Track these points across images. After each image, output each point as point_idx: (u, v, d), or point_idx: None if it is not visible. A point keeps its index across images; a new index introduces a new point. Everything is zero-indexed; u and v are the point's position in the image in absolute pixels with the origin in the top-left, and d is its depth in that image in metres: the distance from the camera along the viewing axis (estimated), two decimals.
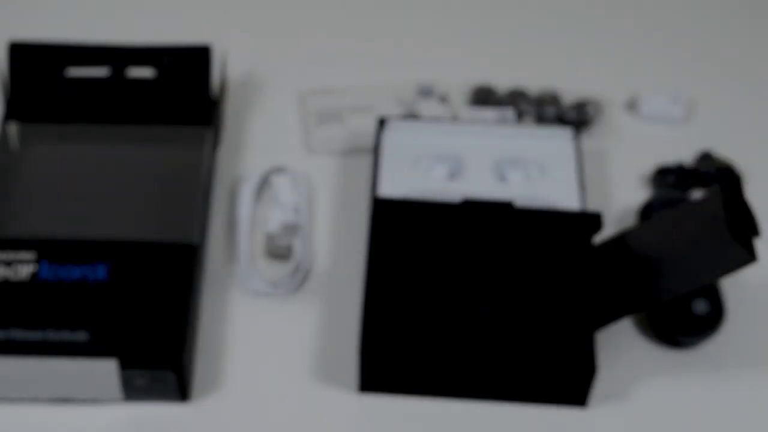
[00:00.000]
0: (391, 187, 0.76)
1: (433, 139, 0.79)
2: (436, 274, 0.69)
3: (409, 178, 0.77)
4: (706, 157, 0.82)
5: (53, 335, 0.66)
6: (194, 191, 0.75)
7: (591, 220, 0.71)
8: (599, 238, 0.72)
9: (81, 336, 0.66)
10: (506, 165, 0.78)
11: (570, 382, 0.68)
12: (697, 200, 0.68)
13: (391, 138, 0.79)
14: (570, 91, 0.87)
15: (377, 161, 0.78)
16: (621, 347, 0.72)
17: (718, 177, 0.79)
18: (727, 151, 0.83)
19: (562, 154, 0.79)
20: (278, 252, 0.76)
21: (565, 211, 0.72)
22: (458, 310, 0.68)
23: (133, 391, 0.67)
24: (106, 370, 0.66)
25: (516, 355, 0.67)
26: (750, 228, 0.66)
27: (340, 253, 0.77)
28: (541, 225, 0.71)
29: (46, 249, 0.69)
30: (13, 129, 0.79)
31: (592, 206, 0.79)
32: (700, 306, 0.70)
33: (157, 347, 0.66)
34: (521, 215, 0.71)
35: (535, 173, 0.78)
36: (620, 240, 0.70)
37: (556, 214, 0.72)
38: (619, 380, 0.70)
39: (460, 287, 0.69)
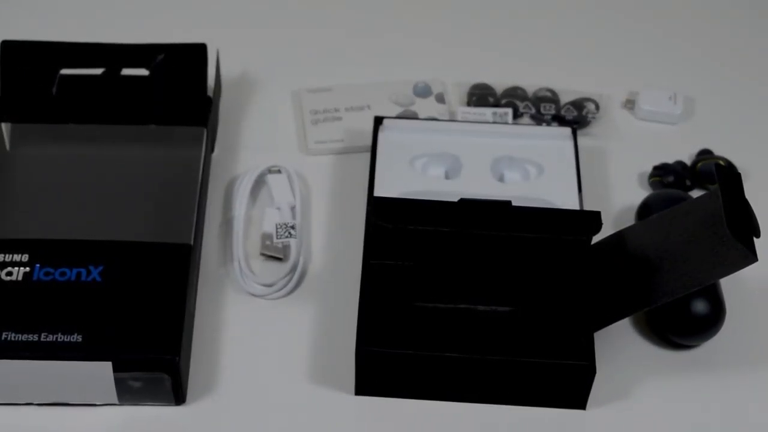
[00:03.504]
0: (388, 187, 0.75)
1: (429, 137, 0.79)
2: (433, 274, 0.69)
3: (406, 178, 0.76)
4: (704, 156, 0.82)
5: (47, 338, 0.65)
6: (189, 191, 0.75)
7: (590, 220, 0.70)
8: (597, 237, 0.72)
9: (75, 338, 0.65)
10: (504, 164, 0.78)
11: (569, 383, 0.67)
12: (695, 199, 0.68)
13: (386, 137, 0.79)
14: (568, 90, 0.87)
15: (373, 160, 0.77)
16: (620, 348, 0.71)
17: (718, 175, 0.77)
18: (725, 149, 0.83)
19: (560, 153, 0.78)
20: (274, 252, 0.75)
21: (564, 210, 0.72)
22: (455, 311, 0.67)
23: (127, 393, 0.66)
24: (100, 372, 0.65)
25: (514, 357, 0.66)
26: (750, 227, 0.65)
27: (336, 253, 0.76)
28: (539, 224, 0.70)
29: (40, 250, 0.69)
30: (5, 129, 0.78)
31: (591, 205, 0.78)
32: (700, 306, 0.70)
33: (152, 349, 0.65)
34: (519, 214, 0.71)
35: (534, 173, 0.78)
36: (618, 239, 0.70)
37: (555, 213, 0.71)
38: (619, 381, 0.70)
39: (457, 288, 0.68)
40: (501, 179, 0.77)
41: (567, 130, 0.80)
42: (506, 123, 0.82)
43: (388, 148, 0.78)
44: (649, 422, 0.68)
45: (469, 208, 0.70)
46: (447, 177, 0.78)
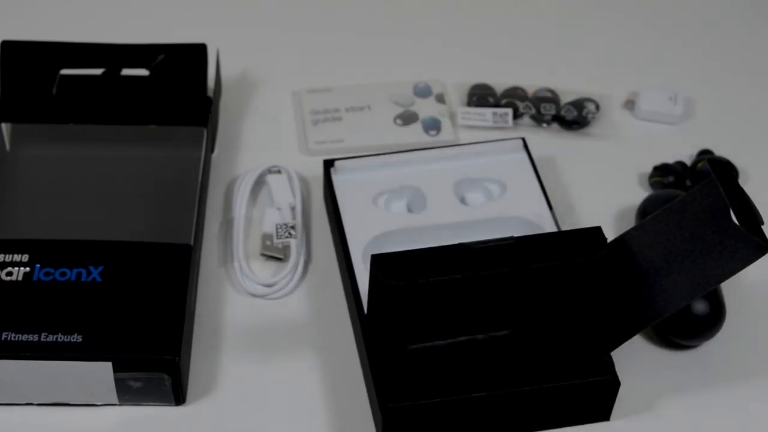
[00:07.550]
0: (359, 234, 0.73)
1: (384, 172, 0.76)
2: (439, 314, 0.66)
3: (375, 219, 0.74)
4: (704, 156, 0.82)
5: (47, 338, 0.65)
6: (189, 191, 0.75)
7: (593, 238, 0.67)
8: None
9: (75, 338, 0.65)
10: (465, 186, 0.76)
11: (595, 399, 0.66)
12: (687, 195, 0.65)
13: (342, 180, 0.76)
14: (568, 90, 0.87)
15: (336, 207, 0.74)
16: (621, 349, 0.71)
17: (712, 168, 0.73)
18: (725, 149, 0.83)
19: (517, 165, 0.77)
20: (274, 252, 0.75)
21: (564, 232, 0.70)
22: (470, 344, 0.66)
23: (127, 393, 0.66)
24: (100, 372, 0.65)
25: (539, 384, 0.65)
26: (753, 216, 0.61)
27: (336, 253, 0.76)
28: (544, 252, 0.66)
29: (40, 251, 0.69)
30: (5, 129, 0.78)
31: (591, 206, 0.78)
32: (700, 306, 0.69)
33: (152, 349, 0.65)
34: (522, 244, 0.66)
35: (496, 190, 0.76)
36: (618, 247, 0.67)
37: (556, 237, 0.69)
38: (623, 382, 0.69)
39: (466, 322, 0.66)
40: (463, 201, 0.76)
41: (519, 142, 0.78)
42: (458, 144, 0.80)
43: (347, 191, 0.75)
44: (649, 423, 0.68)
45: (474, 253, 0.66)
46: (409, 209, 0.76)
